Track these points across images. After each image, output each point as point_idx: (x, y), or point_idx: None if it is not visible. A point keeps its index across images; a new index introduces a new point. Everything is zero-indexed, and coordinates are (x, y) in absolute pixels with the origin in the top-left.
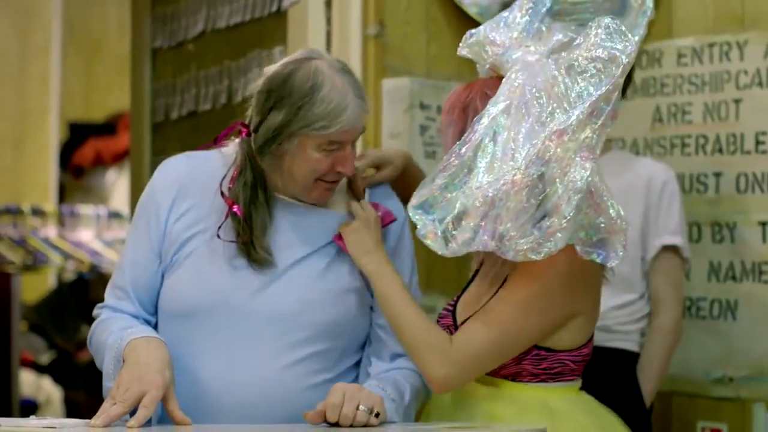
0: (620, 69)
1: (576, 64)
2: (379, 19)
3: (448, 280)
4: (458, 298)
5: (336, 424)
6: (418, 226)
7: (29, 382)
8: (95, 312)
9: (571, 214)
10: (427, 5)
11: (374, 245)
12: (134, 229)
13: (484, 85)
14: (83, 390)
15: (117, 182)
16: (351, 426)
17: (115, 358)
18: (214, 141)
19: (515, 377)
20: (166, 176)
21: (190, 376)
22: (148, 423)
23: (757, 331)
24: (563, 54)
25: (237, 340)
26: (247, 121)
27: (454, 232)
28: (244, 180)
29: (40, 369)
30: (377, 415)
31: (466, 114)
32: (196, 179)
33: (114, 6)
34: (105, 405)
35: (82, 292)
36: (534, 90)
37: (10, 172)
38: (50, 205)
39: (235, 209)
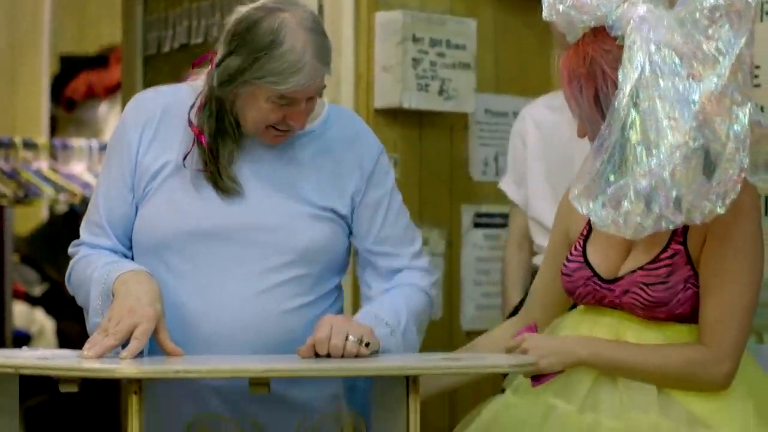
0: (752, 10)
1: (699, 15)
2: None
3: (440, 213)
4: (583, 245)
5: (327, 356)
6: (592, 218)
7: (22, 314)
8: (71, 250)
9: (746, 160)
10: None
11: (553, 342)
12: (106, 165)
13: (594, 42)
14: (76, 321)
15: (109, 115)
16: (342, 357)
17: (102, 293)
18: (192, 67)
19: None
20: (135, 111)
21: (169, 307)
22: (139, 354)
23: None
24: (678, 7)
25: (213, 268)
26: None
27: (637, 217)
28: (210, 111)
29: (32, 301)
30: (367, 345)
31: (593, 76)
32: (164, 112)
33: None
34: (96, 337)
35: (74, 225)
36: (665, 50)
37: (3, 106)
38: (42, 138)
39: (201, 139)
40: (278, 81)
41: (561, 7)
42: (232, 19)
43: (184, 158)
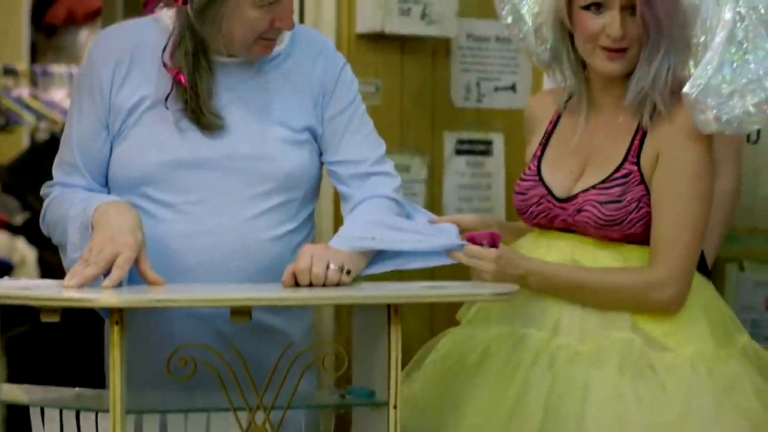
0: None
1: None
2: None
3: (421, 139)
4: (537, 166)
5: (309, 286)
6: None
7: (3, 243)
8: (44, 191)
9: None
10: None
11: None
12: (78, 103)
13: None
14: (57, 251)
15: (89, 42)
16: (323, 286)
17: (81, 226)
18: (144, 6)
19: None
20: (104, 48)
21: (151, 239)
22: (121, 284)
23: None
24: None
25: (196, 197)
26: None
27: None
28: (185, 49)
29: (14, 230)
30: (348, 272)
31: None
32: (134, 47)
33: None
34: (78, 267)
35: (55, 153)
36: None
37: None
38: (22, 64)
39: (179, 78)
40: None
41: None
42: None
43: (166, 99)
